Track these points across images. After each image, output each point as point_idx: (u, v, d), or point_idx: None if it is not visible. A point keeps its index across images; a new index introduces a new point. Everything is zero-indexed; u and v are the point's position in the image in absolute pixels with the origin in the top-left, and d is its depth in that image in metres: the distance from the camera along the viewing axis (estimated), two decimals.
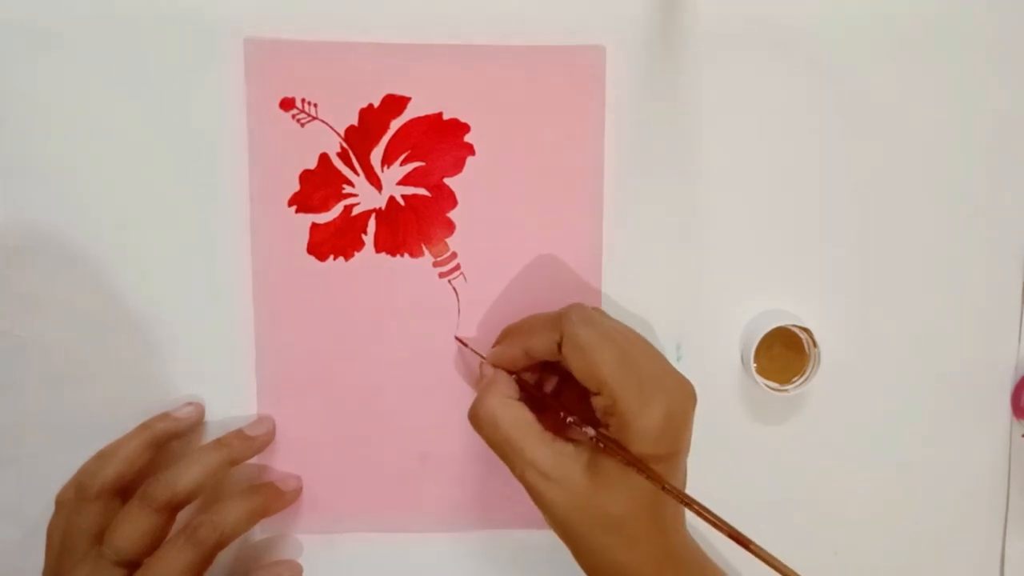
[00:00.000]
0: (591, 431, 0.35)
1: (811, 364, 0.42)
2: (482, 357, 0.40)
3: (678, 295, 0.43)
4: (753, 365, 0.42)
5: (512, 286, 0.43)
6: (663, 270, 0.43)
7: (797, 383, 0.42)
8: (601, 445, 0.35)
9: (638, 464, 0.34)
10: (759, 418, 0.44)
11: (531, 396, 0.38)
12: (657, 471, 0.34)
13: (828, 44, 0.42)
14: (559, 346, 0.36)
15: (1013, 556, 0.45)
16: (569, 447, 0.35)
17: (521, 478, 0.36)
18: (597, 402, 0.36)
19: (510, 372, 0.39)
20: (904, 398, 0.44)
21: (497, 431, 0.36)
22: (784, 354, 0.43)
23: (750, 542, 0.32)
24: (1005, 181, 0.43)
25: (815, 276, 0.44)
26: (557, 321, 0.37)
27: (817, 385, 0.42)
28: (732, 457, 0.44)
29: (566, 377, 0.40)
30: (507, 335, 0.41)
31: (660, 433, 0.34)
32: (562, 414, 0.37)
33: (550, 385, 0.41)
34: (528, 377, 0.40)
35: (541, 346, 0.37)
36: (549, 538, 0.44)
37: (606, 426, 0.35)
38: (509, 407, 0.36)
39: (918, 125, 0.43)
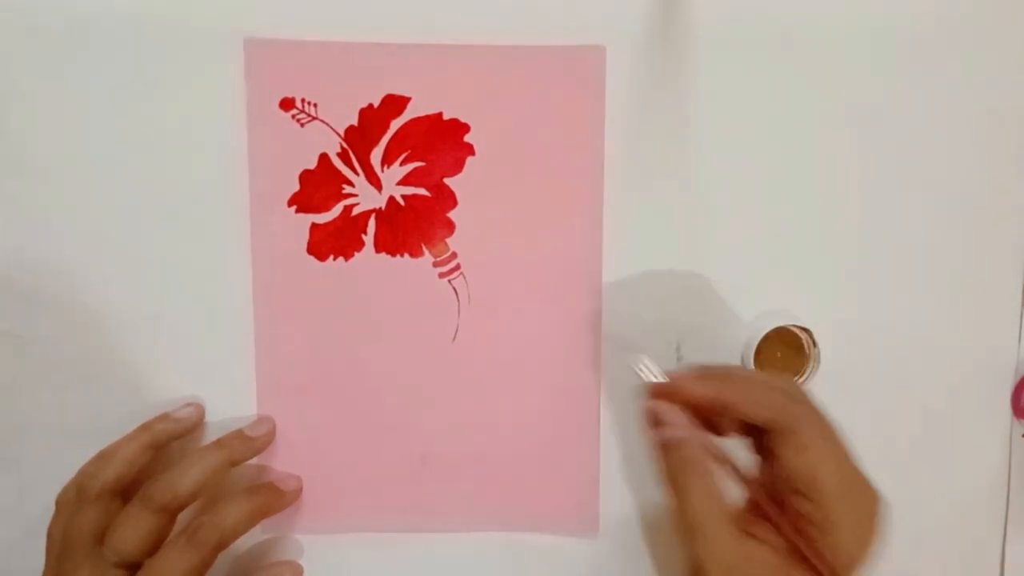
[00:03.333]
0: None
1: (811, 364, 0.42)
2: (654, 376, 0.35)
3: (678, 295, 0.43)
4: (753, 365, 0.42)
5: (512, 286, 0.42)
6: (663, 270, 0.43)
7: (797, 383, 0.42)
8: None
9: None
10: None
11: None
12: None
13: (828, 44, 0.42)
14: (772, 422, 0.32)
15: (1013, 556, 0.45)
16: (768, 555, 0.32)
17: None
18: (801, 505, 0.32)
19: (672, 401, 0.34)
20: (904, 398, 0.44)
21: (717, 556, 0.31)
22: (784, 354, 0.43)
23: None
24: (1005, 181, 0.43)
25: (815, 276, 0.44)
26: (789, 398, 0.33)
27: (817, 385, 0.42)
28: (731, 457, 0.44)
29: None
30: (705, 373, 0.35)
31: (857, 561, 0.32)
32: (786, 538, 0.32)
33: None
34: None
35: (754, 408, 0.33)
36: (548, 539, 0.44)
37: (797, 529, 0.32)
38: (743, 543, 0.32)
39: (918, 125, 0.43)
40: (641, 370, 0.35)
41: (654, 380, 0.35)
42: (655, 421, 0.34)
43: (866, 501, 0.33)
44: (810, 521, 0.32)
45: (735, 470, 0.34)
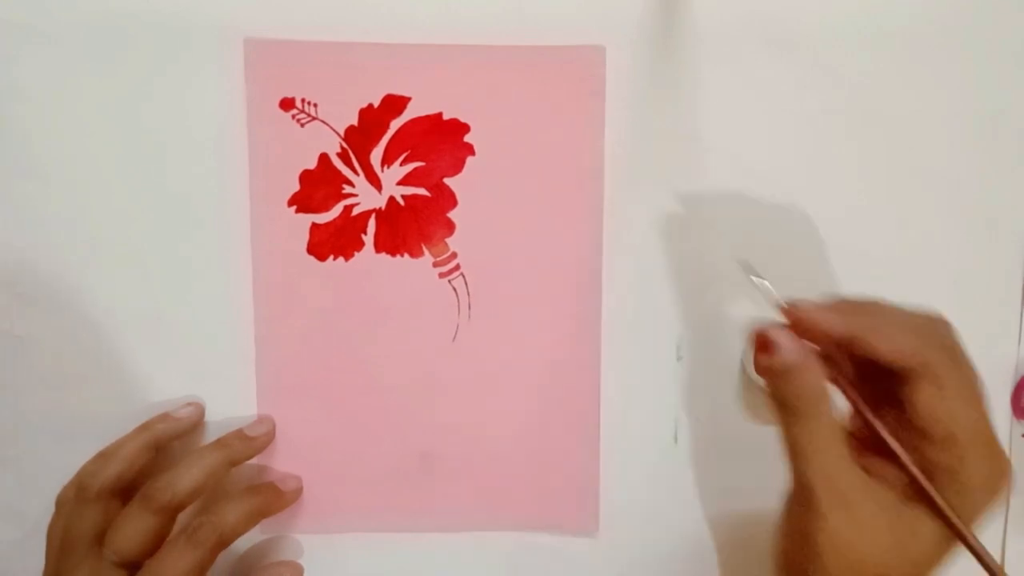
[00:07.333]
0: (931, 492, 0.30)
1: None
2: (780, 301, 0.33)
3: (678, 295, 0.43)
4: (753, 365, 0.42)
5: (512, 286, 0.42)
6: (663, 270, 0.43)
7: None
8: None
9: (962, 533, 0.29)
10: (759, 418, 0.44)
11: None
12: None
13: (828, 44, 0.42)
14: (905, 365, 0.30)
15: (1013, 556, 0.45)
16: (882, 491, 0.31)
17: (822, 518, 0.30)
18: (930, 451, 0.30)
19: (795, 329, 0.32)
20: None
21: (821, 468, 0.30)
22: None
23: None
24: (1005, 182, 0.43)
25: (815, 276, 0.43)
26: (927, 339, 0.31)
27: None
28: (731, 457, 0.44)
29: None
30: (840, 307, 0.33)
31: (976, 518, 0.31)
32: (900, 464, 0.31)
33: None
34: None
35: (887, 347, 0.30)
36: (548, 539, 0.44)
37: (922, 472, 0.31)
38: (858, 474, 0.31)
39: (918, 125, 0.43)
40: (765, 290, 0.34)
41: (778, 303, 0.33)
42: (764, 346, 0.32)
43: (996, 462, 0.31)
44: (937, 467, 0.30)
45: (855, 401, 0.32)
